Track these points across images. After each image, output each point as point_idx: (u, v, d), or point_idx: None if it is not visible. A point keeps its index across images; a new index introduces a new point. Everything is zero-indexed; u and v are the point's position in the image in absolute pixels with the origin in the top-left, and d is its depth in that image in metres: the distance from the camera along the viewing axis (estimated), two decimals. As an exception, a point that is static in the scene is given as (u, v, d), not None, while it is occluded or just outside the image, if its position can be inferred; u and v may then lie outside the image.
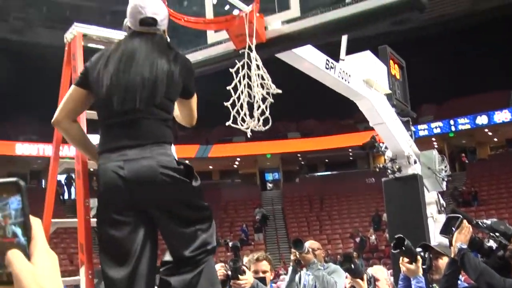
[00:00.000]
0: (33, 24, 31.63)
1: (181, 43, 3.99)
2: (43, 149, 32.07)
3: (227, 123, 3.60)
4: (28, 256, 0.95)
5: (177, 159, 2.99)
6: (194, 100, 3.19)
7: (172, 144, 3.03)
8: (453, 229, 3.69)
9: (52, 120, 3.16)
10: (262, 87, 3.64)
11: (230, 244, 12.15)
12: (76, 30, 3.73)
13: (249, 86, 3.65)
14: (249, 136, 3.70)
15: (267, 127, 3.67)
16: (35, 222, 0.98)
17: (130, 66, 2.91)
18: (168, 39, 3.17)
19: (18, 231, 0.96)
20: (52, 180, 4.02)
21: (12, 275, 0.94)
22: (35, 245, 0.96)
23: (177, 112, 3.24)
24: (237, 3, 4.51)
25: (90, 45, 3.88)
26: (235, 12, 4.74)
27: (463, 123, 32.14)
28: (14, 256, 0.94)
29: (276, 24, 3.89)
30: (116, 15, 32.21)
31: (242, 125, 3.62)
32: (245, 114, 3.59)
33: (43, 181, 35.60)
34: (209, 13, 4.19)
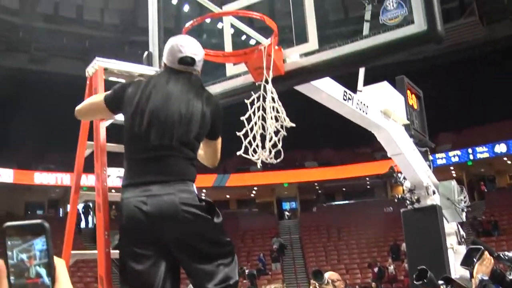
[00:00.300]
0: (53, 55, 32.12)
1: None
2: (61, 178, 32.28)
3: (238, 153, 3.63)
4: None
5: (199, 196, 3.02)
6: (219, 141, 3.30)
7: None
8: (475, 260, 3.65)
9: (75, 113, 3.37)
10: (276, 119, 3.67)
11: (247, 272, 12.15)
12: (98, 64, 3.79)
13: (263, 118, 3.68)
14: (259, 167, 3.73)
15: (278, 159, 3.68)
16: (59, 263, 1.00)
17: (168, 104, 2.99)
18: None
19: (43, 271, 0.99)
20: (72, 212, 4.04)
21: None
22: (59, 286, 0.98)
23: (200, 151, 3.30)
24: (256, 36, 4.58)
25: (111, 78, 3.94)
26: (252, 41, 4.82)
27: (482, 152, 31.87)
28: None
29: (294, 56, 3.93)
30: (134, 45, 32.63)
31: (253, 156, 3.64)
32: (257, 146, 3.61)
33: (61, 210, 35.82)
34: (228, 46, 4.25)
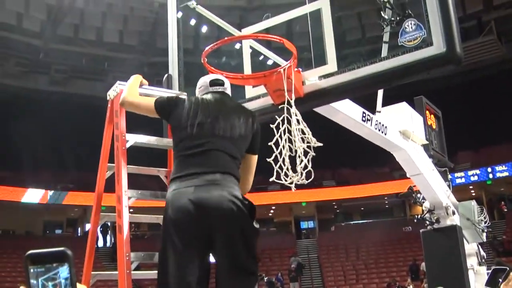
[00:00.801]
0: (72, 76, 32.50)
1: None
2: (80, 198, 32.48)
3: (270, 179, 3.63)
4: None
5: (243, 195, 3.14)
6: (255, 160, 3.41)
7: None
8: (500, 281, 3.62)
9: (122, 100, 3.54)
10: (303, 141, 3.68)
11: (265, 279, 12.15)
12: (119, 87, 3.84)
13: (290, 141, 3.69)
14: (293, 190, 3.73)
15: (310, 180, 3.68)
16: None
17: (220, 110, 3.26)
18: None
19: None
20: (93, 233, 4.08)
21: None
22: None
23: None
24: (274, 57, 4.61)
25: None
26: (269, 61, 4.85)
27: (501, 171, 31.51)
28: None
29: (313, 78, 3.95)
30: (153, 66, 32.90)
31: (285, 180, 3.65)
32: (287, 169, 3.62)
33: (79, 229, 35.98)
34: (247, 68, 4.29)
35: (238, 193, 3.08)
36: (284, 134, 3.66)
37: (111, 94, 3.94)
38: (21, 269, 29.20)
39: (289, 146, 3.65)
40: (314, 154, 3.68)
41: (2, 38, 29.38)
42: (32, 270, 1.03)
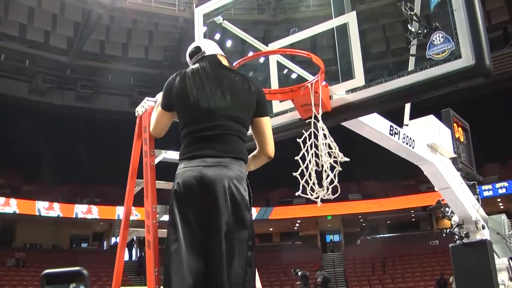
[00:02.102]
0: (98, 92, 32.90)
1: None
2: (106, 211, 32.75)
3: (296, 193, 3.62)
4: None
5: (247, 183, 3.14)
6: (268, 120, 3.34)
7: (244, 162, 3.18)
8: None
9: (153, 134, 3.62)
10: (330, 155, 3.66)
11: (300, 273, 12.12)
12: (148, 103, 3.87)
13: (317, 155, 3.68)
14: (319, 205, 3.71)
15: (336, 195, 3.66)
16: None
17: (206, 85, 3.25)
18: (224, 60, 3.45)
19: None
20: (121, 249, 4.08)
21: None
22: None
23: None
24: (302, 73, 4.61)
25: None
26: (293, 74, 4.85)
27: (530, 183, 31.09)
28: None
29: (340, 93, 3.94)
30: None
31: (311, 195, 3.63)
32: (313, 184, 3.60)
33: (105, 242, 36.23)
34: (274, 83, 4.29)
35: (243, 179, 3.11)
36: (311, 148, 3.64)
37: (139, 110, 3.96)
38: (48, 283, 29.43)
39: (315, 160, 3.63)
40: (340, 169, 3.66)
41: (30, 55, 29.90)
42: None
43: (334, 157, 3.65)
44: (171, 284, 3.01)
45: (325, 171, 3.60)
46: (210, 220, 3.02)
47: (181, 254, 3.03)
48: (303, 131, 3.68)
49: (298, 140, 3.62)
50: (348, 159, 3.63)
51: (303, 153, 3.63)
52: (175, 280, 3.01)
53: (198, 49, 3.52)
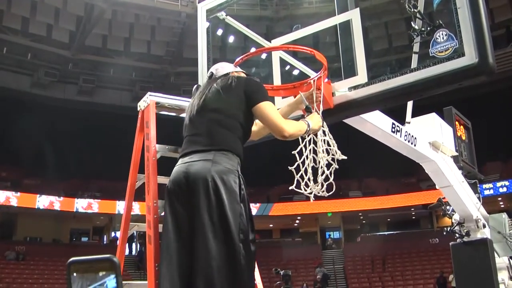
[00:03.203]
0: (100, 86, 32.90)
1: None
2: (106, 206, 32.79)
3: (290, 187, 3.62)
4: None
5: (239, 175, 3.18)
6: (263, 106, 3.33)
7: (232, 152, 3.22)
8: None
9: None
10: (327, 153, 3.66)
11: (282, 272, 12.09)
12: (150, 98, 3.87)
13: (315, 152, 3.67)
14: (311, 200, 3.71)
15: (330, 192, 3.66)
16: None
17: (196, 97, 3.45)
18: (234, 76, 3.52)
19: None
20: (122, 243, 4.09)
21: None
22: None
23: (254, 127, 3.64)
24: (304, 69, 4.60)
25: (163, 112, 4.02)
26: (295, 71, 4.83)
27: (531, 182, 31.06)
28: None
29: (343, 90, 3.93)
30: (179, 76, 33.19)
31: (305, 190, 3.63)
32: (308, 179, 3.60)
33: (105, 237, 36.30)
34: (277, 80, 4.28)
35: (231, 171, 3.14)
36: (309, 144, 3.64)
37: (141, 105, 3.97)
38: (48, 276, 29.57)
39: (313, 156, 3.63)
40: (337, 166, 3.65)
41: (32, 48, 29.90)
42: (76, 280, 0.95)
43: (332, 154, 3.65)
44: (162, 280, 3.08)
45: (321, 167, 3.60)
46: (194, 215, 3.07)
47: (170, 250, 3.10)
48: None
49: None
50: (345, 157, 3.62)
51: (301, 148, 3.63)
52: (165, 277, 3.07)
53: (211, 75, 3.64)
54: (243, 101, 3.32)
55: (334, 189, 3.66)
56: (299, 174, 3.62)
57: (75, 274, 0.95)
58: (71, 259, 0.95)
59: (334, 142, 3.73)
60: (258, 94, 3.37)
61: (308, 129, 3.47)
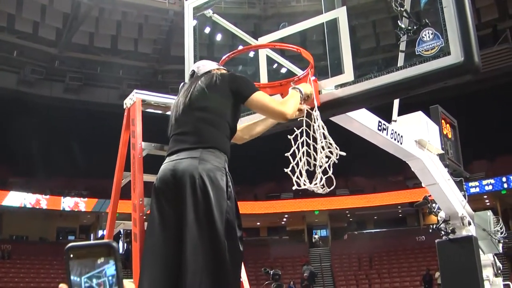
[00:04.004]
0: (87, 84, 32.75)
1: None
2: (93, 204, 32.65)
3: (293, 187, 3.57)
4: None
5: (226, 174, 3.19)
6: (255, 97, 3.36)
7: (219, 150, 3.24)
8: None
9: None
10: (323, 148, 3.64)
11: (271, 272, 12.14)
12: (136, 96, 3.86)
13: (308, 145, 3.65)
14: (325, 192, 3.65)
15: (331, 188, 3.63)
16: (129, 286, 0.94)
17: (181, 96, 3.46)
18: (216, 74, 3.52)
19: None
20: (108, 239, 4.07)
21: None
22: None
23: (247, 123, 3.79)
24: (291, 67, 4.60)
25: (149, 110, 4.01)
26: (283, 69, 4.84)
27: (516, 180, 31.26)
28: None
29: (329, 88, 3.94)
30: (166, 74, 33.09)
31: (305, 185, 3.59)
32: (304, 181, 3.57)
33: (92, 235, 36.14)
34: (264, 77, 4.28)
35: (219, 168, 3.15)
36: (302, 146, 3.61)
37: (127, 102, 3.95)
38: (34, 274, 29.42)
39: (307, 150, 3.61)
40: (336, 160, 3.63)
41: (19, 46, 29.69)
42: (73, 266, 0.92)
43: (329, 146, 3.63)
44: (144, 279, 3.05)
45: (320, 161, 3.57)
46: (181, 212, 3.06)
47: (156, 250, 3.09)
48: (294, 128, 3.65)
49: (289, 136, 3.60)
50: (344, 154, 3.60)
51: (296, 139, 3.60)
52: (146, 278, 3.06)
53: (192, 73, 3.64)
54: (229, 98, 3.34)
55: (334, 184, 3.62)
56: (296, 175, 3.59)
57: (72, 260, 0.92)
58: (70, 244, 0.93)
59: (327, 134, 3.72)
60: (247, 87, 3.39)
61: (301, 95, 3.54)
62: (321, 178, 3.55)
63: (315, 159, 3.58)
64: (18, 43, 29.63)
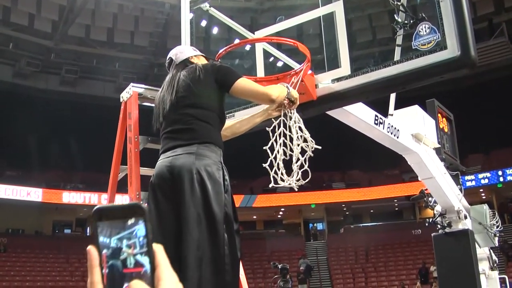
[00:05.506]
0: (83, 77, 32.64)
1: (231, 101, 4.08)
2: (89, 198, 32.57)
3: (270, 185, 3.60)
4: (152, 285, 0.88)
5: (221, 169, 3.19)
6: (239, 84, 3.37)
7: (214, 144, 3.26)
8: None
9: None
10: (303, 141, 3.64)
11: (279, 266, 12.20)
12: (133, 89, 3.85)
13: (285, 145, 3.65)
14: (301, 184, 3.68)
15: (307, 180, 3.64)
16: (158, 249, 0.91)
17: (165, 91, 3.50)
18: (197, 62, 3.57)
19: (145, 260, 0.90)
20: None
21: None
22: (161, 272, 0.89)
23: (233, 122, 3.80)
24: (288, 61, 4.60)
25: (145, 103, 4.00)
26: (279, 62, 4.84)
27: (512, 174, 31.31)
28: (137, 287, 0.87)
29: (326, 82, 3.94)
30: (163, 67, 32.90)
31: (283, 181, 3.62)
32: (282, 174, 3.58)
33: (88, 228, 36.12)
34: (260, 71, 4.28)
35: (215, 163, 3.18)
36: (280, 138, 3.62)
37: (124, 96, 3.95)
38: (30, 268, 29.38)
39: (283, 150, 3.62)
40: (312, 154, 3.64)
41: (14, 38, 29.56)
42: (102, 227, 0.90)
43: (304, 141, 3.63)
44: None
45: (296, 156, 3.59)
46: (180, 207, 3.08)
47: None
48: (273, 119, 3.66)
49: (267, 128, 3.62)
50: (319, 147, 3.61)
51: (273, 142, 3.62)
52: None
53: (170, 60, 3.69)
54: (216, 90, 3.37)
55: (310, 177, 3.64)
56: (273, 170, 3.61)
57: (101, 222, 0.90)
58: (98, 206, 0.91)
59: (307, 132, 3.73)
60: (230, 75, 3.40)
61: (288, 91, 3.54)
62: (298, 173, 3.57)
63: (291, 150, 3.61)
64: (13, 35, 29.50)
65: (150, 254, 0.90)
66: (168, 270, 0.90)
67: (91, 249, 0.89)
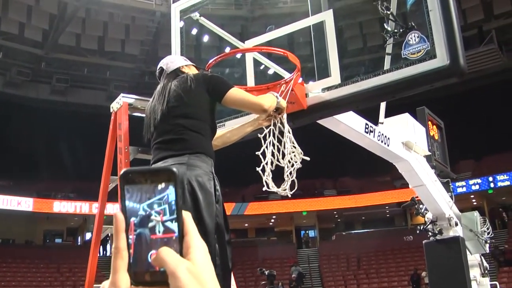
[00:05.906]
0: (74, 86, 32.55)
1: (221, 110, 4.08)
2: (80, 207, 32.44)
3: (264, 189, 3.62)
4: (181, 252, 0.85)
5: (212, 179, 3.19)
6: (231, 94, 3.38)
7: (205, 155, 3.25)
8: None
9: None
10: (293, 152, 3.66)
11: (266, 272, 12.21)
12: (123, 100, 3.84)
13: (273, 154, 3.67)
14: (289, 195, 3.70)
15: (293, 191, 3.66)
16: (187, 216, 0.87)
17: (156, 101, 3.49)
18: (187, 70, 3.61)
19: (174, 226, 0.86)
20: (95, 245, 4.06)
21: (165, 274, 0.82)
22: (190, 240, 0.86)
23: (227, 131, 3.80)
24: (278, 70, 4.61)
25: (136, 114, 3.99)
26: (270, 70, 4.84)
27: (503, 180, 31.37)
28: (166, 253, 0.84)
29: (316, 91, 3.95)
30: (154, 75, 32.75)
31: (274, 187, 3.63)
32: (272, 183, 3.59)
33: (79, 238, 35.94)
34: (250, 81, 4.28)
35: (206, 173, 3.17)
36: (270, 145, 3.64)
37: (114, 106, 3.94)
38: (21, 278, 29.18)
39: (271, 159, 3.63)
40: (300, 165, 3.66)
41: (4, 47, 29.46)
42: (132, 192, 0.84)
43: (293, 151, 3.65)
44: None
45: (288, 166, 3.60)
46: None
47: None
48: (264, 128, 3.69)
49: (259, 135, 3.64)
50: (308, 158, 3.63)
51: (265, 149, 3.64)
52: None
53: (161, 70, 3.72)
54: (207, 100, 3.37)
55: (296, 187, 3.66)
56: (265, 176, 3.62)
57: (130, 186, 0.85)
58: (126, 169, 0.86)
59: (294, 140, 3.75)
60: (222, 85, 3.42)
61: (278, 100, 3.57)
62: (289, 181, 3.59)
63: (283, 157, 3.63)
64: (3, 44, 29.40)
65: (180, 220, 0.86)
66: (198, 237, 0.87)
67: (118, 213, 0.86)
